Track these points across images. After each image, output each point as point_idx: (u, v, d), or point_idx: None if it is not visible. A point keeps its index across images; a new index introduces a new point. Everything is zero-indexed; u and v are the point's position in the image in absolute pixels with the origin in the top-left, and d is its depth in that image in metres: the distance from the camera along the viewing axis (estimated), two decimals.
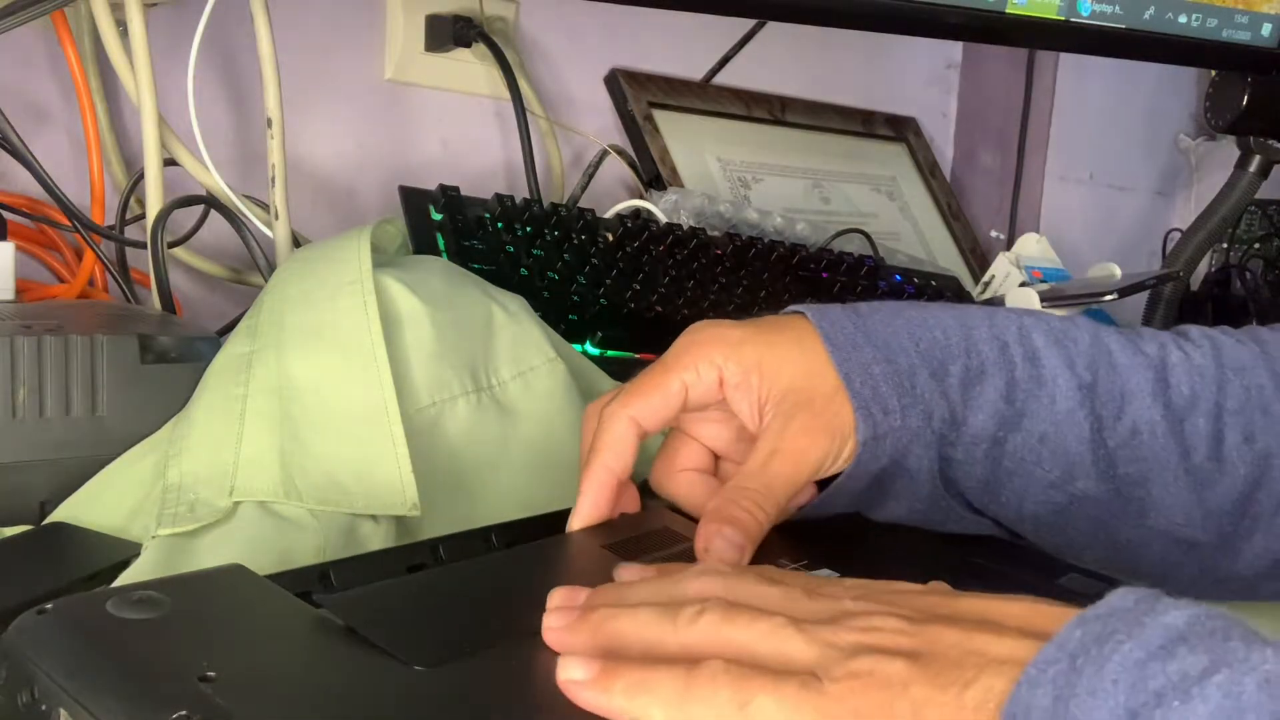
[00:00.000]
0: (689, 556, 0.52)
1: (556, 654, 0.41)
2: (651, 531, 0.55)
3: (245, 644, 0.40)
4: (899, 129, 1.41)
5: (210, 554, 0.57)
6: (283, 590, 0.43)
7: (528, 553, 0.52)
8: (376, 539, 0.61)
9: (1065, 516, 0.58)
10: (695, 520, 0.54)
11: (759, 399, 0.55)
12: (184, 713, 0.35)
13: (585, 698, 0.39)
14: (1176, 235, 1.31)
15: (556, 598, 0.44)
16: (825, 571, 0.51)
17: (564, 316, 0.86)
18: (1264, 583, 0.61)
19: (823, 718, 0.36)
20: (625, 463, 0.55)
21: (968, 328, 0.58)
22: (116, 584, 0.53)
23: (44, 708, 0.36)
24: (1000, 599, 0.40)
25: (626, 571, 0.47)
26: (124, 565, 0.57)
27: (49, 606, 0.39)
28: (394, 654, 0.40)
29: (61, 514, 0.62)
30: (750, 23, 1.24)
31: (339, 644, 0.41)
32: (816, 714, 0.36)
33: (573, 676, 0.39)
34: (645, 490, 0.60)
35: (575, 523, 0.55)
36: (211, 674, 0.36)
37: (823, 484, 0.56)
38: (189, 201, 0.86)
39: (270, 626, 0.41)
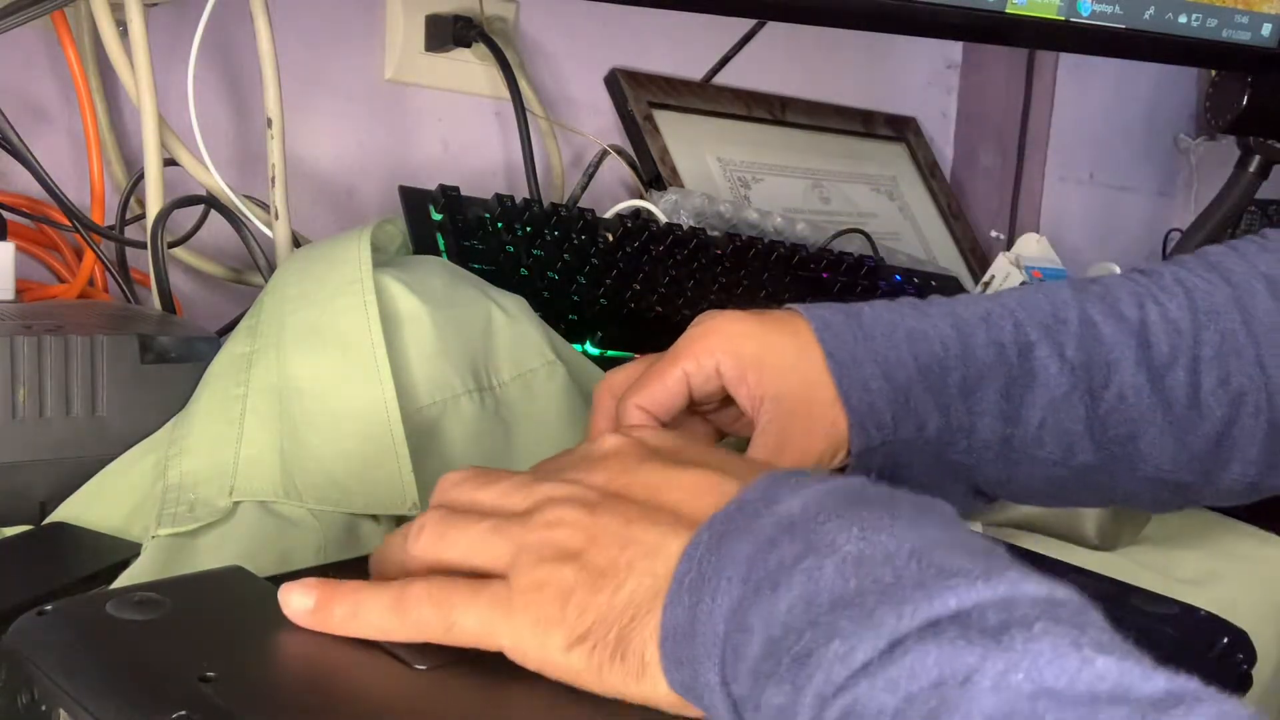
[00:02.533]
0: None
1: None
2: None
3: (245, 645, 0.40)
4: (899, 129, 1.41)
5: (210, 554, 0.57)
6: None
7: None
8: (378, 538, 0.61)
9: (1069, 486, 0.63)
10: None
11: (756, 395, 0.57)
12: (184, 713, 0.35)
13: (309, 624, 0.41)
14: (1176, 235, 1.32)
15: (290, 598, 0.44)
16: None
17: (564, 316, 0.86)
18: (1238, 500, 0.68)
19: (512, 625, 0.41)
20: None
21: (965, 335, 0.61)
22: (116, 585, 0.53)
23: (44, 708, 0.36)
24: (677, 468, 0.44)
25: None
26: (124, 565, 0.57)
27: (49, 608, 0.39)
28: (395, 654, 0.40)
29: (61, 514, 0.62)
30: (750, 23, 1.23)
31: (339, 645, 0.41)
32: (506, 623, 0.41)
33: (294, 606, 0.41)
34: None
35: None
36: (211, 675, 0.36)
37: None
38: (189, 201, 0.86)
39: (270, 627, 0.41)
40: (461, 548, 0.43)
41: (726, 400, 0.61)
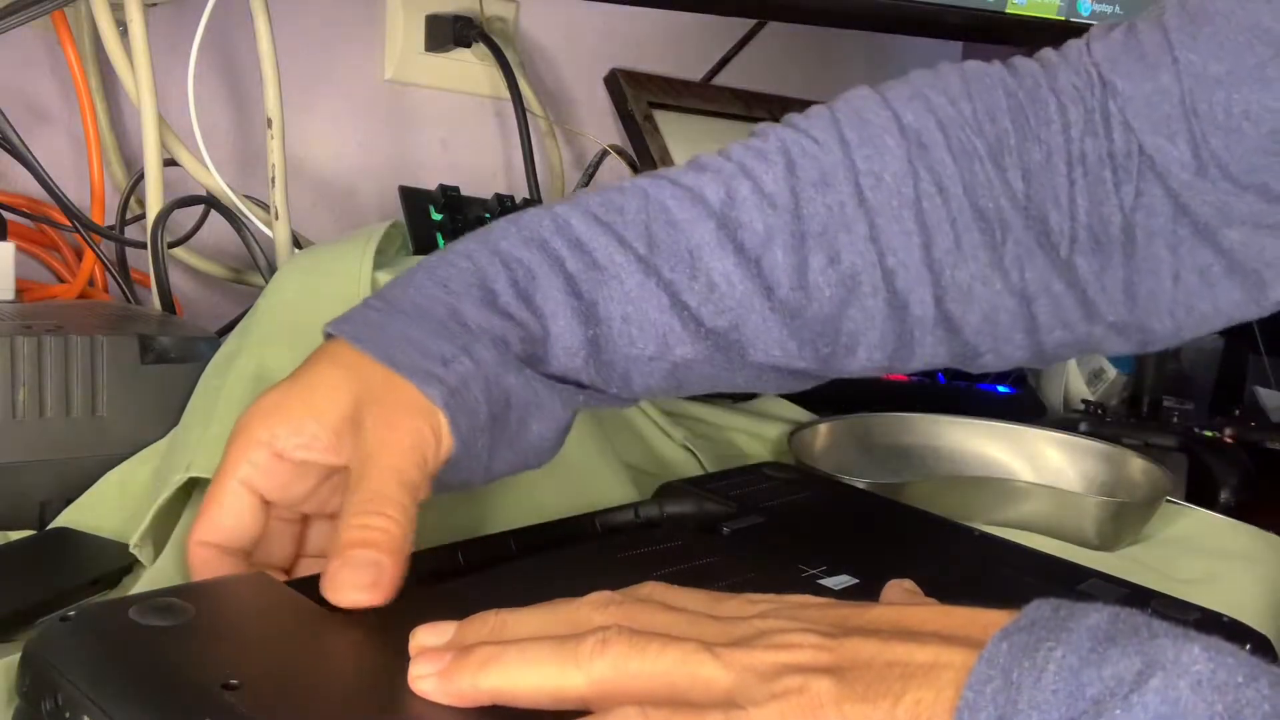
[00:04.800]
0: (706, 570, 0.51)
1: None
2: (671, 548, 0.55)
3: (268, 651, 0.40)
4: None
5: None
6: (304, 597, 0.43)
7: (548, 561, 0.52)
8: None
9: (675, 379, 0.57)
10: None
11: (329, 441, 0.48)
12: None
13: None
14: None
15: (421, 636, 0.39)
16: (843, 578, 0.51)
17: None
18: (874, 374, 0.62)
19: None
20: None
21: (492, 244, 0.54)
22: (137, 588, 0.53)
23: (68, 715, 0.36)
24: (909, 606, 0.39)
25: (426, 632, 0.39)
26: (127, 569, 0.57)
27: (71, 613, 0.39)
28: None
29: (64, 519, 0.62)
30: (750, 23, 1.24)
31: (362, 651, 0.40)
32: None
33: None
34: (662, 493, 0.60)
35: None
36: (235, 682, 0.36)
37: None
38: (189, 201, 0.86)
39: (293, 633, 0.41)
40: (665, 663, 0.36)
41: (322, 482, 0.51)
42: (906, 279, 0.58)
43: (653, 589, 0.41)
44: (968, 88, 0.60)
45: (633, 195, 0.57)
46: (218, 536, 0.48)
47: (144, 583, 0.53)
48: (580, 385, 0.55)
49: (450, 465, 0.50)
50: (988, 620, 0.36)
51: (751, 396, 0.92)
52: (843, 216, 0.57)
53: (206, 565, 0.48)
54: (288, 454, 0.48)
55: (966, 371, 0.63)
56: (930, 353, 0.60)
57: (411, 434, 0.48)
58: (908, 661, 0.36)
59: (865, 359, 0.59)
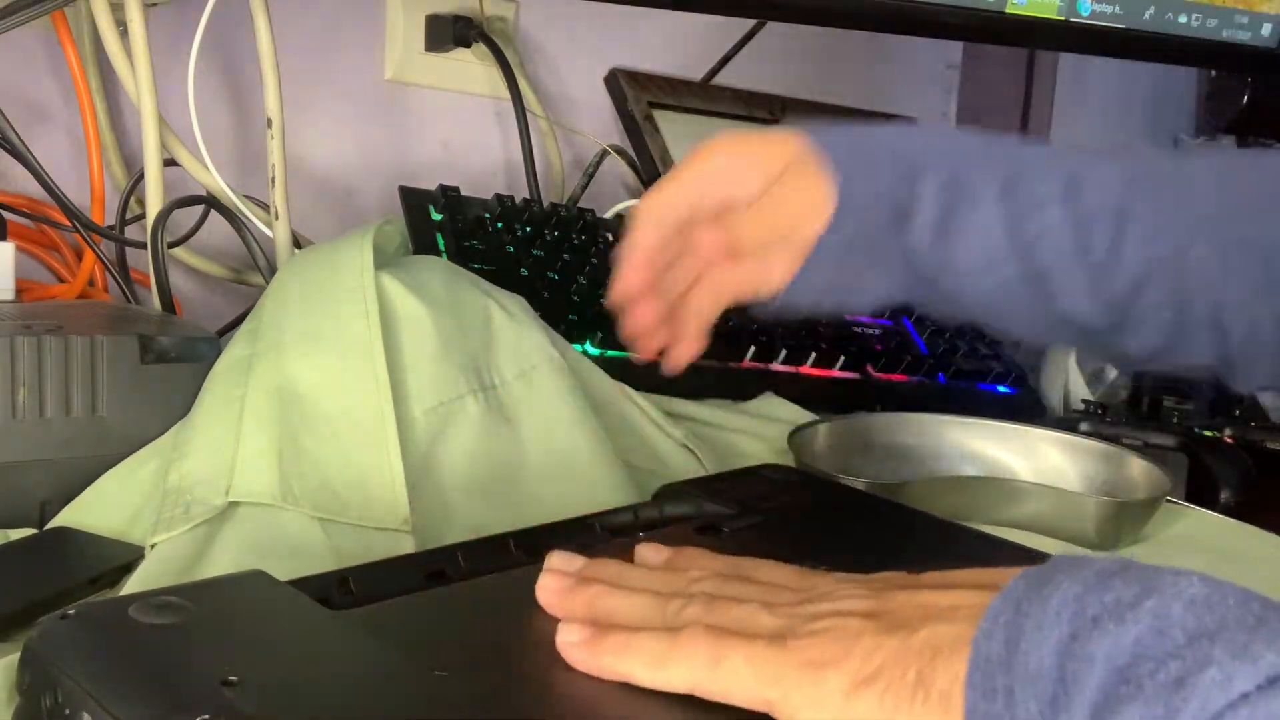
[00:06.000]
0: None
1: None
2: (676, 553, 0.54)
3: (267, 649, 0.40)
4: None
5: (219, 557, 0.56)
6: (303, 596, 0.43)
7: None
8: (399, 547, 0.60)
9: (996, 302, 0.69)
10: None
11: (763, 168, 0.65)
12: (206, 717, 0.35)
13: (576, 657, 0.43)
14: None
15: (554, 559, 0.48)
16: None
17: (564, 316, 0.86)
18: (1146, 365, 0.76)
19: (783, 667, 0.40)
20: (664, 231, 0.65)
21: (907, 138, 0.71)
22: (126, 589, 0.53)
23: (67, 712, 0.36)
24: (958, 570, 0.44)
25: (647, 550, 0.51)
26: (127, 568, 0.57)
27: (71, 611, 0.39)
28: (416, 659, 0.40)
29: (64, 518, 0.61)
30: (750, 23, 1.24)
31: (361, 649, 0.41)
32: (779, 665, 0.40)
33: (567, 639, 0.43)
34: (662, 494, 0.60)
35: (625, 270, 0.67)
36: (234, 679, 0.36)
37: None
38: (189, 201, 0.86)
39: (292, 632, 0.41)
40: (729, 619, 0.43)
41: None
42: (1197, 280, 0.68)
43: (757, 566, 0.48)
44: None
45: (1007, 142, 0.71)
46: (658, 200, 0.66)
47: (135, 583, 0.53)
48: (917, 270, 0.68)
49: (807, 285, 0.67)
50: (1016, 572, 0.40)
51: (751, 396, 0.92)
52: (1164, 213, 0.68)
53: (663, 220, 0.65)
54: (731, 157, 0.66)
55: (1176, 380, 0.76)
56: (1198, 353, 0.70)
57: (820, 193, 0.65)
58: (933, 604, 0.41)
59: (1146, 337, 0.70)
